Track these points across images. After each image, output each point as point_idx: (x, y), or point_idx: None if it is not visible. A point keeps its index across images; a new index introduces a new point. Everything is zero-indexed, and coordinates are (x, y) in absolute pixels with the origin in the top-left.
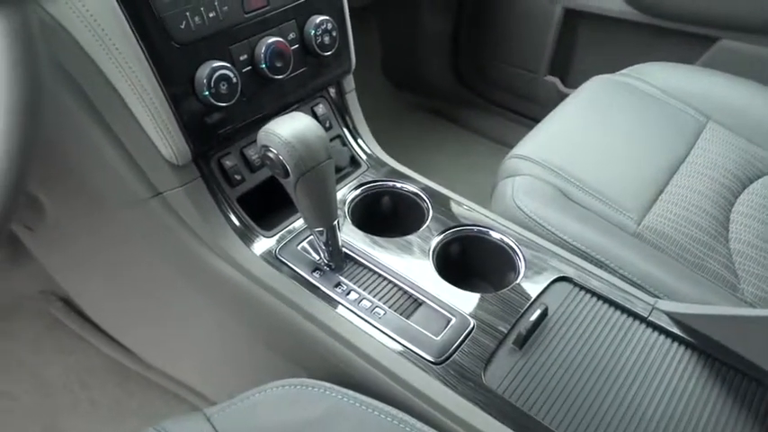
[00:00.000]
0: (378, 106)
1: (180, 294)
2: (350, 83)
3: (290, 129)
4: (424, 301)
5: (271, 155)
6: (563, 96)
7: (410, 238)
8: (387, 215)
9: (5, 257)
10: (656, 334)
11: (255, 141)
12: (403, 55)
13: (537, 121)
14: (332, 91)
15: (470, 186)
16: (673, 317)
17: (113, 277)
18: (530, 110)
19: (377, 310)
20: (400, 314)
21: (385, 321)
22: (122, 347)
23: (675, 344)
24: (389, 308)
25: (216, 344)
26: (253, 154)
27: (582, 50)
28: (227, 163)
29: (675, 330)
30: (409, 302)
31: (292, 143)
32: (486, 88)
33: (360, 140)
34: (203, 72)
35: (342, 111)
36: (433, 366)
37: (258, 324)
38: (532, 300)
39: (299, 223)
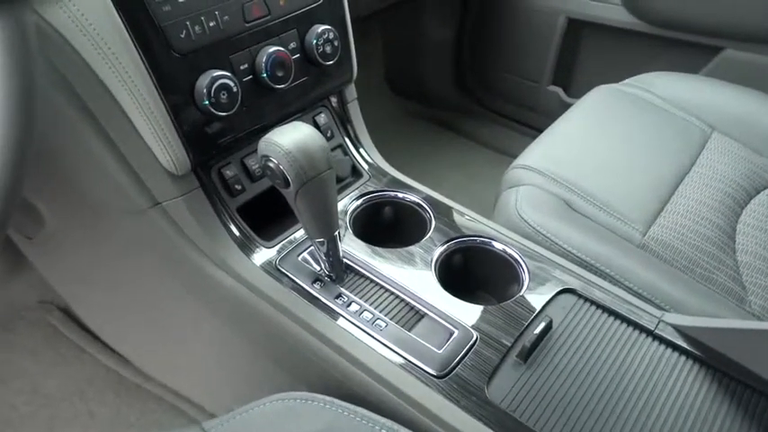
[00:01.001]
0: (380, 115)
1: (179, 305)
2: (351, 92)
3: (290, 138)
4: (426, 314)
5: (271, 165)
6: (566, 106)
7: (412, 248)
8: (388, 225)
9: (5, 267)
10: (662, 347)
11: (256, 151)
12: (405, 64)
13: (539, 130)
14: (333, 100)
15: (472, 196)
16: (680, 330)
17: (113, 288)
18: (532, 120)
19: (378, 322)
20: (402, 326)
21: (386, 334)
22: (121, 358)
23: (683, 357)
24: (391, 320)
25: (215, 355)
26: (253, 164)
27: (585, 60)
28: (228, 173)
29: (682, 344)
30: (411, 314)
31: (293, 153)
32: (488, 98)
33: (361, 150)
34: (203, 81)
35: (343, 120)
36: (436, 380)
37: (257, 335)
38: (536, 312)
39: (299, 234)
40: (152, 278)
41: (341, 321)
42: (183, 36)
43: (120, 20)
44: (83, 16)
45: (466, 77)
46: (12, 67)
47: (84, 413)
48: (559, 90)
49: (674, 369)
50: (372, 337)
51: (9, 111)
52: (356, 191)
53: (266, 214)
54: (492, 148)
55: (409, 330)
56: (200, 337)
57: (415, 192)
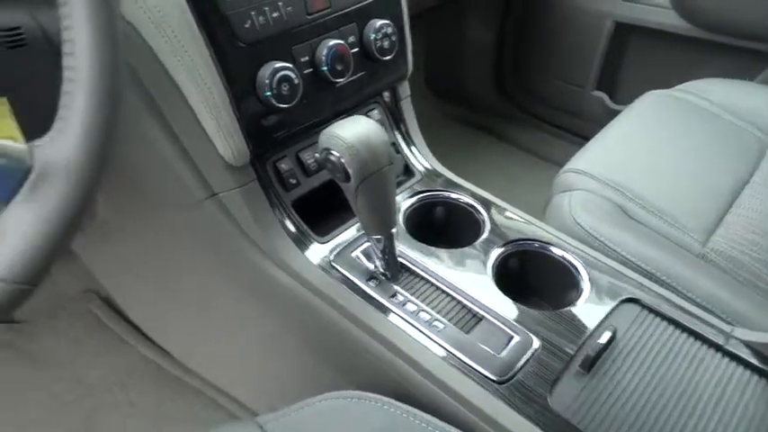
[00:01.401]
0: (419, 118)
1: (227, 299)
2: (405, 89)
3: (353, 132)
4: (484, 317)
5: (332, 158)
6: (610, 112)
7: (467, 249)
8: (440, 226)
9: None
10: (733, 364)
11: (311, 145)
12: (446, 66)
13: (582, 136)
14: (387, 97)
15: (515, 201)
16: (751, 346)
17: (159, 280)
18: (575, 125)
19: (435, 323)
20: (459, 329)
21: (444, 335)
22: (162, 350)
23: (755, 376)
24: (448, 321)
25: (261, 351)
26: (308, 158)
27: (632, 65)
28: (283, 166)
29: (755, 361)
30: (468, 317)
31: (356, 146)
32: (529, 102)
33: (413, 148)
34: (266, 72)
35: (396, 117)
36: (496, 385)
37: (309, 333)
38: (599, 321)
39: (353, 230)
40: (201, 271)
41: (397, 321)
42: (247, 26)
43: (188, 8)
44: (151, 1)
45: (506, 81)
46: (101, 40)
47: (125, 403)
48: (604, 96)
49: (746, 387)
50: (430, 338)
51: (98, 87)
52: (408, 190)
53: (319, 210)
54: (533, 153)
55: (467, 333)
56: (246, 331)
57: (468, 193)
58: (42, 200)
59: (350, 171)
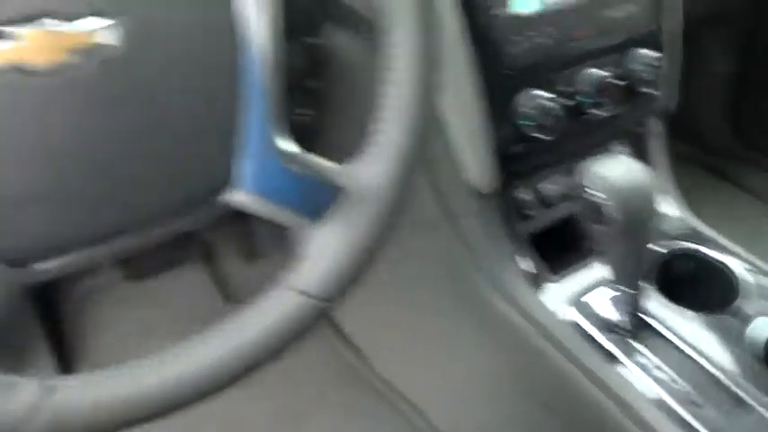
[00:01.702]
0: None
1: (448, 323)
2: (658, 125)
3: (620, 174)
4: (749, 402)
5: (594, 199)
6: None
7: (725, 317)
8: (686, 282)
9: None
10: None
11: (550, 176)
12: None
13: None
14: (637, 131)
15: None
16: None
17: (376, 291)
18: None
19: (692, 398)
20: (720, 411)
21: (703, 419)
22: (360, 353)
23: None
24: (705, 400)
25: (471, 384)
26: (546, 189)
27: None
28: (522, 196)
29: None
30: (728, 398)
31: (623, 191)
32: None
33: (664, 194)
34: (527, 101)
35: (644, 156)
36: None
37: (531, 378)
38: None
39: (591, 273)
40: (425, 291)
41: (641, 386)
42: (512, 53)
43: (463, 31)
44: None
45: (744, 121)
46: (425, 72)
47: (325, 400)
48: None
49: None
50: (683, 417)
51: (415, 116)
52: (654, 238)
53: (552, 245)
54: None
55: (728, 419)
56: (459, 359)
57: (723, 248)
58: (351, 222)
59: (610, 215)
